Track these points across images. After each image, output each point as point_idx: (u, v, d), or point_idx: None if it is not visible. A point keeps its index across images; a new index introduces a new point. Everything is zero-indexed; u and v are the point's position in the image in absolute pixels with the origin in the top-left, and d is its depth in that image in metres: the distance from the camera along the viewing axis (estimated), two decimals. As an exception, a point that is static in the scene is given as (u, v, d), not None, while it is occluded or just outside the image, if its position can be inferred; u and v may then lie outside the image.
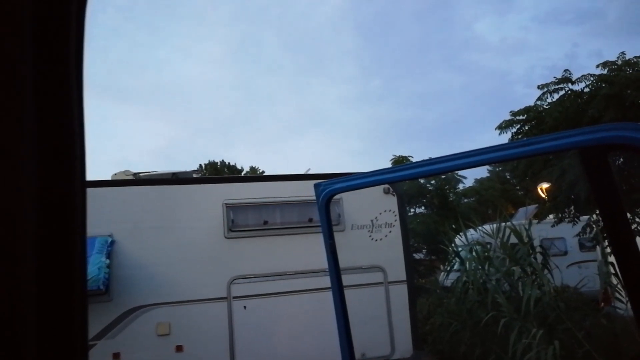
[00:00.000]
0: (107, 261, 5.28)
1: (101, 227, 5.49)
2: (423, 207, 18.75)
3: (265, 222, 6.18)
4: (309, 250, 5.79)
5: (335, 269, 2.39)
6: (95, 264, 5.12)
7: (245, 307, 5.89)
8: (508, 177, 26.39)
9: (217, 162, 32.89)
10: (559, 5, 58.12)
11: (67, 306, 0.62)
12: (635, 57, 9.54)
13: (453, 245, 8.64)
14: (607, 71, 9.59)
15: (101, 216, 5.49)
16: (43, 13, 0.60)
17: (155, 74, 57.58)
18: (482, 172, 27.87)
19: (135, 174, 6.57)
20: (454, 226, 10.38)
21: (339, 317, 2.39)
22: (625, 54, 9.70)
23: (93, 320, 5.30)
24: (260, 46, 58.80)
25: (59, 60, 0.62)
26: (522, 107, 10.65)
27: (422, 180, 17.38)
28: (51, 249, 0.61)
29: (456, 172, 16.18)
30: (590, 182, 1.84)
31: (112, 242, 5.53)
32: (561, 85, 10.00)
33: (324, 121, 54.61)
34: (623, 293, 6.24)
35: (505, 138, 10.68)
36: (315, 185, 2.46)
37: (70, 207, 0.63)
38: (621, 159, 8.50)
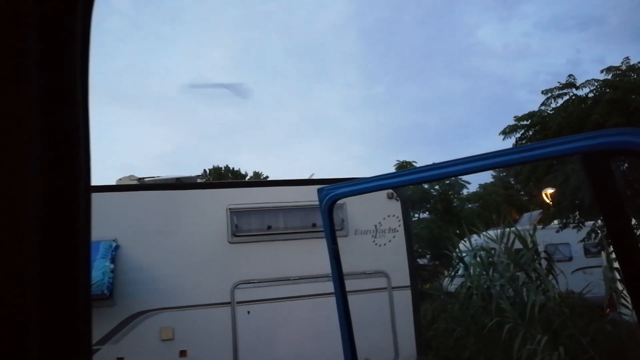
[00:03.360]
0: (111, 266, 5.29)
1: (105, 232, 5.51)
2: (427, 212, 18.70)
3: (269, 227, 6.19)
4: (312, 255, 5.78)
5: (338, 274, 2.39)
6: (99, 268, 5.13)
7: (248, 312, 5.89)
8: (512, 182, 26.35)
9: (221, 167, 32.94)
10: (561, 11, 57.98)
11: (71, 309, 0.63)
12: (639, 62, 9.53)
13: (457, 250, 8.62)
14: (611, 76, 9.58)
15: (105, 221, 5.50)
16: (48, 16, 0.60)
17: (160, 79, 57.84)
18: (486, 177, 27.89)
19: (139, 179, 6.61)
20: (457, 231, 10.36)
21: (342, 322, 2.38)
22: (629, 59, 9.69)
23: (97, 324, 5.31)
24: (264, 52, 58.95)
25: (65, 63, 0.63)
26: (526, 112, 10.67)
27: (426, 186, 17.35)
28: (55, 252, 0.61)
29: (460, 177, 16.13)
30: (594, 188, 1.84)
31: (117, 247, 5.54)
32: (565, 91, 9.99)
33: (327, 126, 54.64)
34: (628, 299, 6.19)
35: (509, 143, 10.69)
36: (319, 190, 2.46)
37: (75, 210, 0.64)
38: (625, 164, 8.48)
